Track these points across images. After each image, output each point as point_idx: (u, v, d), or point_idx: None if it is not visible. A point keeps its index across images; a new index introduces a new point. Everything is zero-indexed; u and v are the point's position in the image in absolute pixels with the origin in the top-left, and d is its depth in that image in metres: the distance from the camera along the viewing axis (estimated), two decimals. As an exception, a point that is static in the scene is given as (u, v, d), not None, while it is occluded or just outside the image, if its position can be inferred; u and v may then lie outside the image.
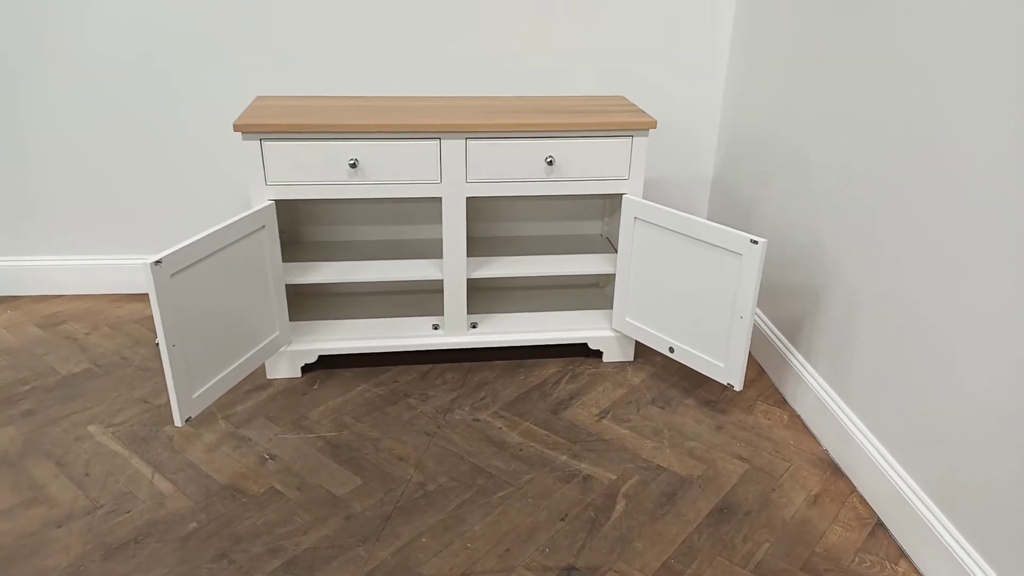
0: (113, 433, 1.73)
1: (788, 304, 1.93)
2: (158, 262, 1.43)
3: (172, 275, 1.48)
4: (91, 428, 1.74)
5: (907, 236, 1.42)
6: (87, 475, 1.59)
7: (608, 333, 2.04)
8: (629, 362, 2.07)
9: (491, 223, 2.22)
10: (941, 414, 1.35)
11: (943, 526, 1.33)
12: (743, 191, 2.18)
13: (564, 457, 1.68)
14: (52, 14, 2.07)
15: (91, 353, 2.07)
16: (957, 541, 1.30)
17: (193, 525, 1.47)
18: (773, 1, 1.96)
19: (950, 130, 1.30)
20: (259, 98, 1.94)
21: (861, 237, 1.58)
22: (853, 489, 1.60)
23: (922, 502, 1.39)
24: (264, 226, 1.74)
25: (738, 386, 1.75)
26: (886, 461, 1.50)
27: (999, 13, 1.17)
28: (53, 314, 2.29)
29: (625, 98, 2.08)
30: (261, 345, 1.80)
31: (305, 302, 2.16)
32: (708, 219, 2.42)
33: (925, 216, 1.37)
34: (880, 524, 1.50)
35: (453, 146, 1.77)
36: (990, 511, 1.23)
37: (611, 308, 2.12)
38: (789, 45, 1.88)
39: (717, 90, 2.31)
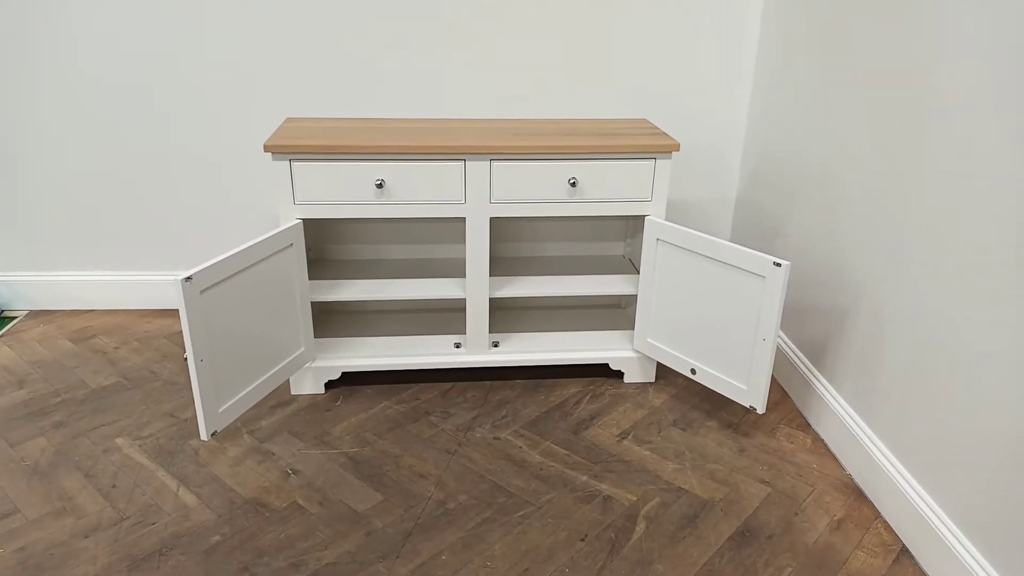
0: (140, 446, 1.76)
1: (812, 326, 1.92)
2: (188, 278, 1.46)
3: (202, 291, 1.51)
4: (119, 440, 1.78)
5: (933, 256, 1.42)
6: (114, 487, 1.62)
7: (629, 354, 2.04)
8: (650, 383, 2.07)
9: (514, 243, 2.24)
10: (968, 439, 1.33)
11: (970, 554, 1.31)
12: (767, 212, 2.18)
13: (584, 477, 1.68)
14: (94, 35, 2.14)
15: (120, 367, 2.11)
16: (985, 571, 1.28)
17: (217, 538, 1.48)
18: (798, 22, 1.97)
19: (977, 148, 1.29)
20: (289, 119, 1.99)
21: (887, 257, 1.57)
22: (877, 514, 1.58)
23: (948, 529, 1.37)
24: (292, 244, 1.77)
25: (761, 409, 1.74)
26: (911, 486, 1.48)
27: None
28: (84, 328, 2.34)
29: (648, 121, 2.10)
30: (286, 361, 1.82)
31: (330, 319, 2.19)
32: (731, 240, 2.42)
33: (952, 237, 1.36)
34: (905, 551, 1.48)
35: (478, 167, 1.79)
36: (1021, 539, 1.21)
37: (633, 329, 2.12)
38: (814, 65, 1.88)
39: (741, 111, 2.32)
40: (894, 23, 1.53)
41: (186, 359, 2.06)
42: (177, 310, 2.47)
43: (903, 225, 1.51)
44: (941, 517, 1.39)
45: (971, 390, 1.32)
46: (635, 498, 1.62)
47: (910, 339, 1.49)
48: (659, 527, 1.54)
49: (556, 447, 1.79)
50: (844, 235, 1.75)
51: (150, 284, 2.45)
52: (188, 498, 1.59)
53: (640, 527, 1.53)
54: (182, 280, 1.45)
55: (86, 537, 1.48)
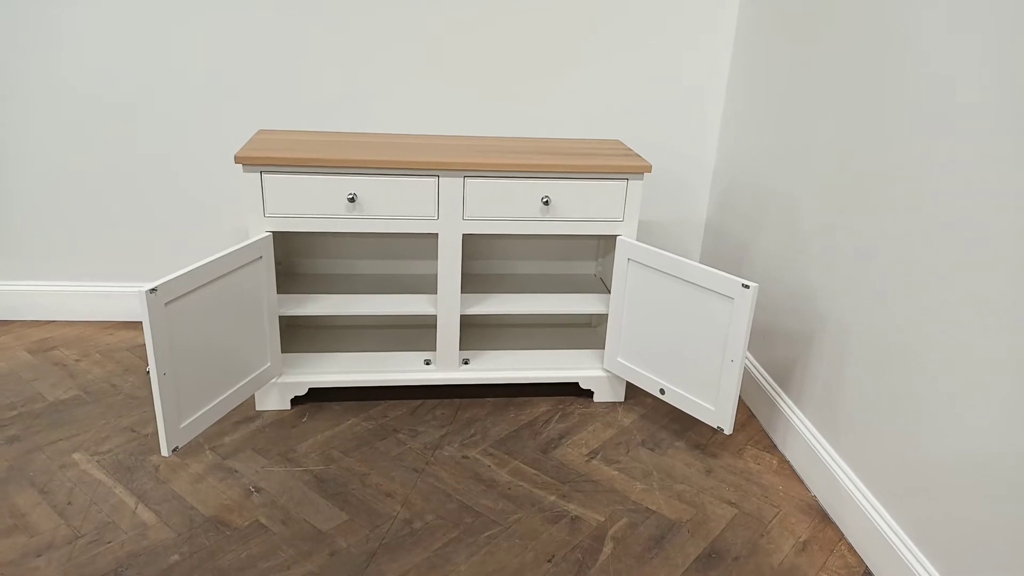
0: (98, 461, 1.71)
1: (779, 349, 1.94)
2: (153, 290, 1.44)
3: (166, 303, 1.48)
4: (76, 456, 1.73)
5: (898, 282, 1.44)
6: (70, 504, 1.57)
7: (599, 373, 2.04)
8: (620, 403, 2.07)
9: (486, 260, 2.24)
10: (930, 462, 1.35)
11: (931, 577, 1.33)
12: (735, 236, 2.21)
13: (553, 497, 1.67)
14: (63, 43, 2.10)
15: (80, 380, 2.06)
16: (945, 592, 1.29)
17: (175, 557, 1.44)
18: (768, 51, 2.01)
19: (940, 177, 1.32)
20: (260, 131, 1.97)
21: (852, 283, 1.60)
22: (841, 537, 1.59)
23: (911, 552, 1.38)
24: (261, 257, 1.75)
25: (728, 430, 1.75)
26: (875, 509, 1.50)
27: (988, 59, 1.21)
28: (44, 339, 2.28)
29: (621, 142, 2.12)
30: (252, 376, 1.79)
31: (297, 334, 2.16)
32: (700, 263, 2.44)
33: (916, 263, 1.39)
34: (868, 573, 1.49)
35: (451, 184, 1.79)
36: (981, 563, 1.23)
37: (603, 348, 2.12)
38: (783, 94, 1.92)
39: (712, 140, 2.35)
40: (859, 59, 1.56)
41: (148, 373, 2.02)
42: (141, 322, 2.42)
43: (868, 254, 1.54)
44: (904, 540, 1.41)
45: (934, 415, 1.34)
46: (603, 518, 1.61)
47: (874, 364, 1.51)
48: (626, 548, 1.53)
49: (525, 466, 1.77)
50: (810, 262, 1.77)
51: (114, 295, 2.40)
52: (146, 516, 1.55)
53: (607, 548, 1.53)
54: (146, 291, 1.42)
55: (38, 556, 1.43)
